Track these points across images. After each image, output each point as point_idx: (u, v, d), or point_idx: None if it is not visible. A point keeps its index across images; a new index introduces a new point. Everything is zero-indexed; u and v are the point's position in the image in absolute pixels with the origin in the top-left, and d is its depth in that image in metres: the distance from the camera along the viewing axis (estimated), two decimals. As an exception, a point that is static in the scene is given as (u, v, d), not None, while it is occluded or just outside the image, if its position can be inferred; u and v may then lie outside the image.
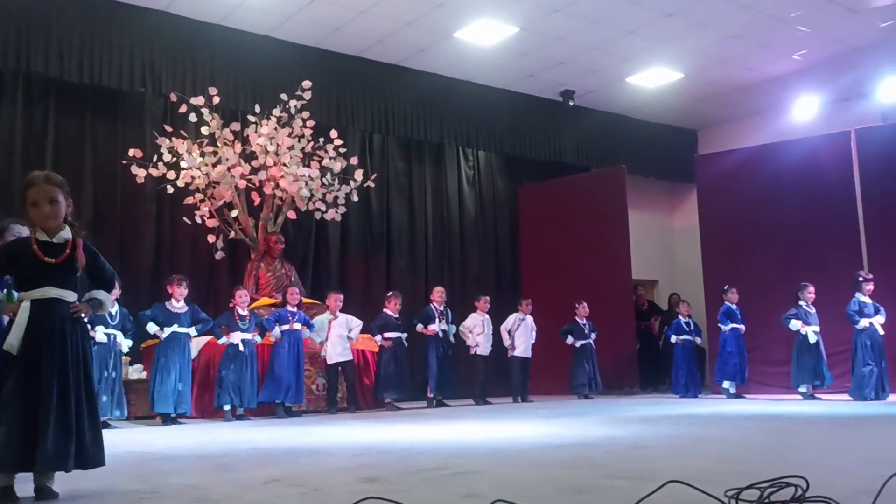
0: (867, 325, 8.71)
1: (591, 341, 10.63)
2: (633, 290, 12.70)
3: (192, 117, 8.99)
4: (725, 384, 9.81)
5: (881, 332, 8.76)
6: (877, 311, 8.85)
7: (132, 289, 8.58)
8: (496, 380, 10.39)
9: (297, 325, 8.42)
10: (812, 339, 9.07)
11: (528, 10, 9.40)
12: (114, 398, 7.05)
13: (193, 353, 7.87)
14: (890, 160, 9.72)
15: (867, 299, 8.88)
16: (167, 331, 7.50)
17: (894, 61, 10.74)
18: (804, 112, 11.83)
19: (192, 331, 7.66)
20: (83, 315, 3.21)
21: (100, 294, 3.33)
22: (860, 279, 8.93)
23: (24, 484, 3.05)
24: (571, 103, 12.13)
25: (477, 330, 9.94)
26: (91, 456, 3.09)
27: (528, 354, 10.19)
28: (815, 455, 4.08)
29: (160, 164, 8.84)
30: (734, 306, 9.90)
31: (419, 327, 9.55)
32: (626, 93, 12.17)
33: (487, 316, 10.10)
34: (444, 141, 11.76)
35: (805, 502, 2.25)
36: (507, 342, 10.14)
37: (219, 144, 9.08)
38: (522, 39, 10.20)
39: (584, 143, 12.83)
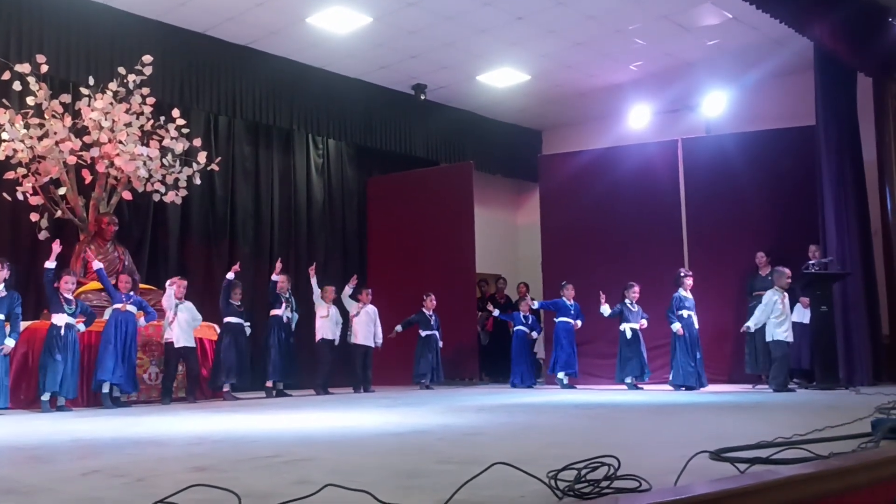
0: (680, 330, 9.37)
1: (436, 333, 10.79)
2: (494, 282, 13.06)
3: (17, 85, 8.31)
4: (559, 375, 10.29)
5: (696, 325, 9.50)
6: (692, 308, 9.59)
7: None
8: (339, 370, 10.33)
9: (131, 308, 7.99)
10: (628, 335, 9.71)
11: (383, 1, 9.39)
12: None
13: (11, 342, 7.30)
14: (711, 169, 10.54)
15: (688, 294, 9.60)
16: (-21, 320, 6.91)
17: (719, 77, 11.63)
18: (638, 120, 12.57)
19: (10, 342, 7.09)
20: None
21: None
22: (681, 275, 9.65)
23: None
24: (423, 97, 12.27)
25: (320, 313, 9.84)
26: None
27: (370, 344, 10.20)
28: (630, 438, 4.37)
29: (-23, 133, 8.12)
30: (570, 302, 10.40)
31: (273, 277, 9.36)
32: (476, 91, 12.44)
33: (334, 306, 10.04)
34: (293, 127, 11.55)
35: (616, 480, 2.40)
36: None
37: (46, 116, 8.44)
38: (376, 30, 10.19)
39: (434, 137, 13.00)
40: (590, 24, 10.12)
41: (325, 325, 9.84)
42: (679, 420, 5.55)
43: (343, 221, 12.65)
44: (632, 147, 11.41)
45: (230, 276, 8.98)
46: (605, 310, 9.83)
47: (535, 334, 11.00)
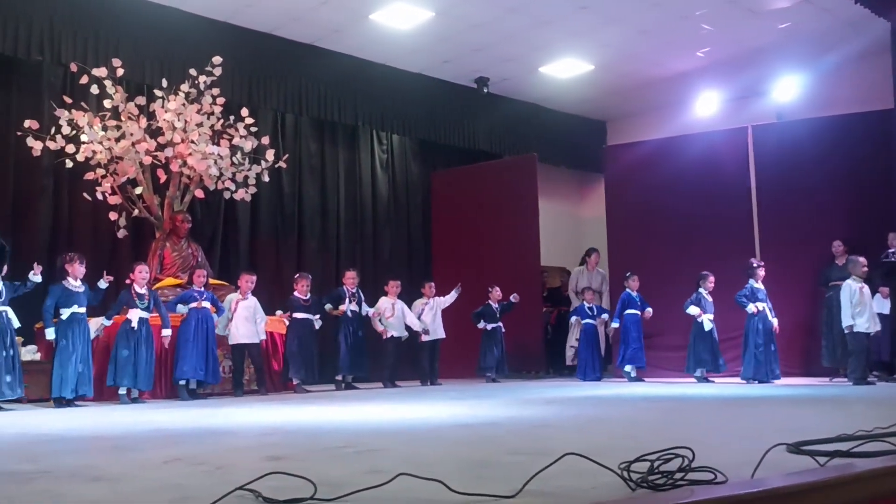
0: (756, 309, 9.18)
1: (501, 325, 10.78)
2: (558, 275, 12.98)
3: (94, 89, 8.63)
4: (627, 368, 10.18)
5: (770, 317, 9.26)
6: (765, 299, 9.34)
7: (26, 268, 8.16)
8: (406, 362, 10.43)
9: (206, 304, 8.23)
10: (707, 326, 9.50)
11: (445, -5, 9.43)
12: (15, 377, 6.76)
13: (95, 333, 7.60)
14: (782, 156, 10.23)
15: (760, 285, 9.35)
16: (66, 312, 7.22)
17: (790, 62, 11.28)
18: (706, 107, 12.31)
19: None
20: None
21: None
22: (753, 265, 9.40)
23: None
24: (486, 91, 12.26)
25: (387, 313, 9.94)
26: None
27: (438, 336, 10.27)
28: (703, 431, 4.30)
29: (59, 136, 8.44)
30: (634, 293, 10.27)
31: (328, 307, 9.46)
32: (539, 82, 12.37)
33: (399, 300, 10.11)
34: (358, 123, 11.68)
35: (691, 472, 2.37)
36: (417, 327, 10.16)
37: (122, 118, 8.75)
38: (439, 24, 10.22)
39: (497, 130, 12.98)
40: (655, 11, 9.94)
41: (391, 325, 9.91)
42: (753, 413, 5.43)
43: (408, 216, 12.75)
44: (700, 135, 11.17)
45: (285, 321, 9.07)
46: (694, 310, 9.57)
47: (605, 316, 10.79)
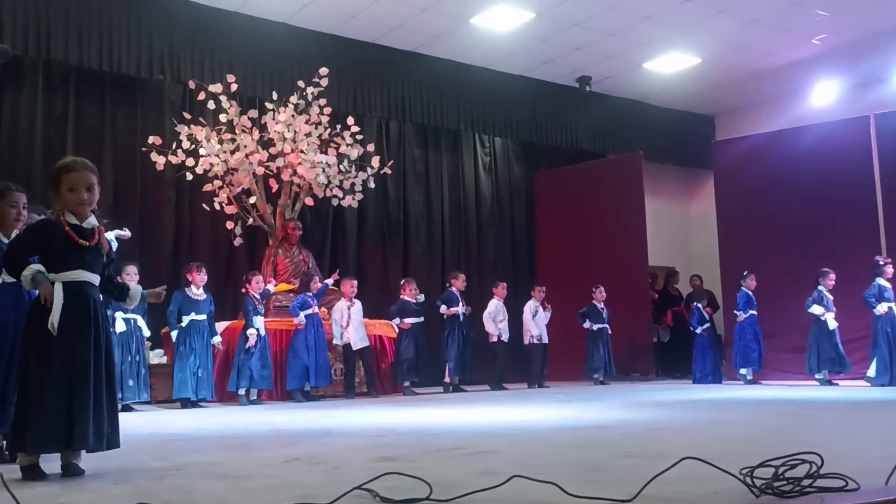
0: (884, 309, 8.65)
1: (607, 326, 10.61)
2: (666, 276, 12.71)
3: (211, 105, 9.06)
4: (742, 370, 9.80)
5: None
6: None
7: (151, 274, 8.66)
8: (512, 365, 10.42)
9: (316, 309, 8.50)
10: (831, 325, 9.01)
11: (545, -5, 9.37)
12: (139, 382, 7.18)
13: (216, 341, 7.97)
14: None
15: (887, 283, 8.80)
16: (186, 319, 7.62)
17: (915, 45, 10.63)
18: (823, 97, 11.74)
19: (217, 339, 7.85)
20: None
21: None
22: (880, 263, 8.85)
23: (46, 462, 3.11)
24: (588, 89, 12.11)
25: (500, 317, 9.97)
26: (109, 438, 3.14)
27: (546, 340, 10.23)
28: (830, 436, 4.10)
29: (179, 151, 8.91)
30: (751, 293, 9.88)
31: (443, 308, 9.55)
32: (642, 79, 12.12)
33: (502, 302, 10.12)
34: (460, 127, 11.78)
35: (819, 478, 2.27)
36: (535, 332, 10.12)
37: (237, 131, 9.15)
38: (539, 25, 10.17)
39: (600, 129, 12.80)
40: (765, -1, 9.57)
41: (503, 328, 9.94)
42: (884, 417, 5.13)
43: (511, 218, 12.74)
44: (815, 126, 10.64)
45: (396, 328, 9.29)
46: (818, 309, 9.13)
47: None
